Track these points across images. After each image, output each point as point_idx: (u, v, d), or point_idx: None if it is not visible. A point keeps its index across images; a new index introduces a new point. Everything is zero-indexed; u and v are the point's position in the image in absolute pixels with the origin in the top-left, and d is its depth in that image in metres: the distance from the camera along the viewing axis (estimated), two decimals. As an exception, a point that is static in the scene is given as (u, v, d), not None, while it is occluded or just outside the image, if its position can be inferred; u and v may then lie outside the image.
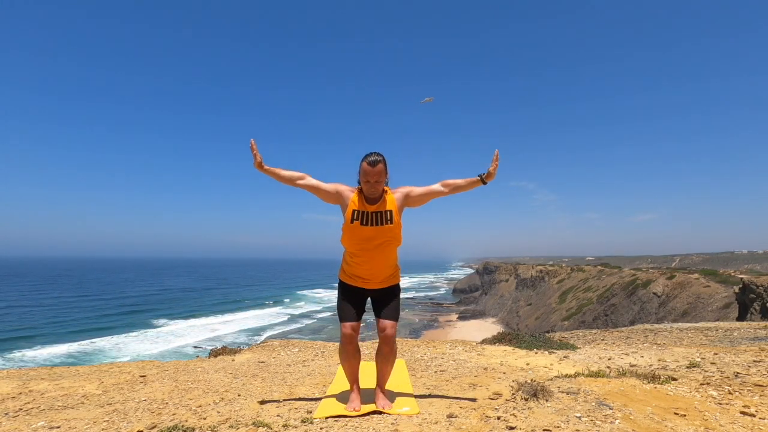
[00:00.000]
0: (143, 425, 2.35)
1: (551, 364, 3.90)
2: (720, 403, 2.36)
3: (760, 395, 2.51)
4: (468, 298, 65.40)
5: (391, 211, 2.51)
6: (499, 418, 2.15)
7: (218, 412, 2.54)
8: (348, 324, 2.55)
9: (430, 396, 2.79)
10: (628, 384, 2.56)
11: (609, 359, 4.17)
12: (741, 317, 18.35)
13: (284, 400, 2.81)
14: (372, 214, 2.49)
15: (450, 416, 2.29)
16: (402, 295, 2.79)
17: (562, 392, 2.42)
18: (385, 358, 2.59)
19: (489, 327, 39.06)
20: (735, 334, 6.52)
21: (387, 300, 2.62)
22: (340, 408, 2.50)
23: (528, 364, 3.93)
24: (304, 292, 74.79)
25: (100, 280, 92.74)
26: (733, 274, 28.73)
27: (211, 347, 6.78)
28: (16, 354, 27.06)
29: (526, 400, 2.33)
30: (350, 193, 2.54)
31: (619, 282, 34.80)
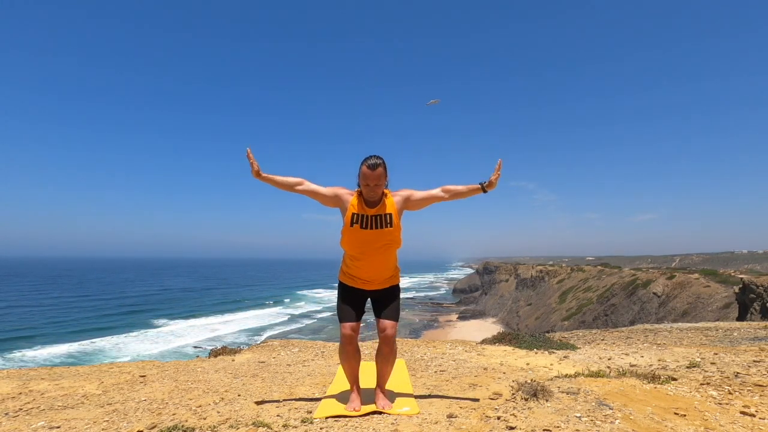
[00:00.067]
0: (143, 425, 2.35)
1: (551, 364, 3.90)
2: (720, 403, 2.36)
3: (760, 395, 2.51)
4: (468, 298, 65.40)
5: (390, 215, 2.51)
6: (499, 418, 2.15)
7: (218, 412, 2.54)
8: (348, 324, 2.55)
9: (430, 396, 2.79)
10: (628, 384, 2.57)
11: (609, 359, 4.17)
12: (741, 317, 18.35)
13: (284, 400, 2.81)
14: (372, 218, 2.49)
15: (450, 416, 2.29)
16: (402, 295, 2.79)
17: (562, 392, 2.42)
18: (385, 358, 2.59)
19: (489, 327, 39.06)
20: (735, 334, 6.52)
21: (387, 300, 2.62)
22: (340, 408, 2.50)
23: (528, 364, 3.93)
24: (304, 292, 74.80)
25: (100, 280, 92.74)
26: (733, 274, 28.74)
27: (211, 347, 6.78)
28: (16, 354, 27.07)
29: (526, 400, 2.33)
30: (349, 196, 2.54)
31: (619, 282, 34.80)
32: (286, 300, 61.87)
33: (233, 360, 4.50)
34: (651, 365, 3.75)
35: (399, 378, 3.18)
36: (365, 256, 2.53)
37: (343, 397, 2.70)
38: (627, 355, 4.41)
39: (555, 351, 4.61)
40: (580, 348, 5.06)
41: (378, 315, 2.61)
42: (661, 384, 2.66)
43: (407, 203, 2.60)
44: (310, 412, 2.47)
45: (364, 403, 2.55)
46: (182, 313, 46.34)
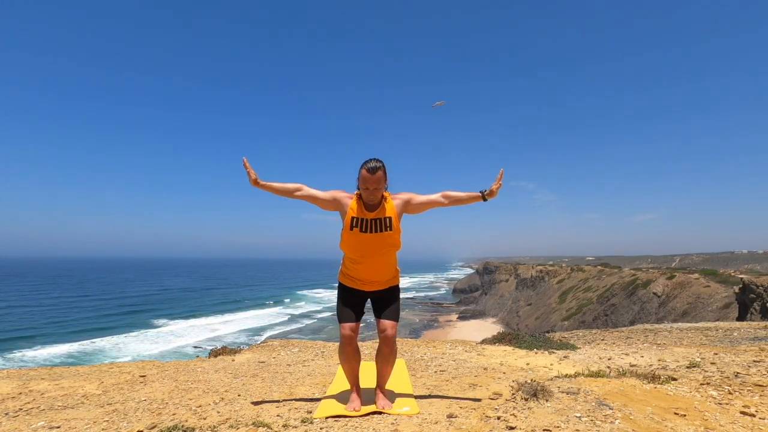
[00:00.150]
0: (143, 425, 2.35)
1: (551, 364, 3.90)
2: (720, 403, 2.36)
3: (760, 395, 2.51)
4: (468, 298, 65.40)
5: (390, 218, 2.50)
6: (499, 418, 2.15)
7: (218, 412, 2.54)
8: (347, 325, 2.55)
9: (430, 396, 2.79)
10: (628, 384, 2.56)
11: (609, 359, 4.17)
12: (741, 317, 18.35)
13: (284, 400, 2.81)
14: (371, 221, 2.48)
15: (450, 416, 2.29)
16: (402, 295, 2.79)
17: (562, 392, 2.42)
18: (385, 358, 2.59)
19: (489, 327, 39.06)
20: (735, 334, 6.52)
21: (387, 301, 2.62)
22: (340, 408, 2.50)
23: (528, 364, 3.93)
24: (304, 292, 74.80)
25: (100, 280, 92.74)
26: (733, 274, 28.74)
27: (211, 347, 6.78)
28: (16, 354, 27.07)
29: (526, 400, 2.33)
30: (348, 199, 2.53)
31: (619, 282, 34.80)
32: (286, 300, 61.87)
33: (233, 360, 4.50)
34: (651, 365, 3.75)
35: (399, 378, 3.18)
36: (365, 259, 2.53)
37: (343, 397, 2.70)
38: (627, 355, 4.41)
39: (555, 351, 4.61)
40: (580, 348, 5.06)
41: (378, 315, 2.61)
42: (661, 384, 2.66)
43: (407, 207, 2.60)
44: (310, 412, 2.47)
45: (364, 403, 2.55)
46: (182, 313, 46.35)
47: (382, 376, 2.63)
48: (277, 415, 2.44)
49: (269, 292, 72.20)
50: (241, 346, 5.67)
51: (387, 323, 2.56)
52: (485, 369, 3.64)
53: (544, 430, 1.94)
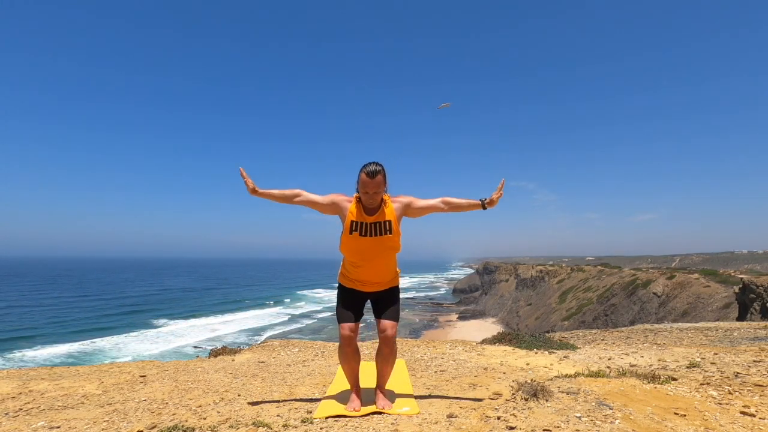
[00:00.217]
0: (143, 425, 2.35)
1: (551, 364, 3.90)
2: (720, 403, 2.36)
3: (760, 395, 2.51)
4: (468, 298, 65.40)
5: (390, 222, 2.50)
6: (499, 418, 2.15)
7: (218, 412, 2.54)
8: (346, 326, 2.55)
9: (430, 396, 2.79)
10: (628, 384, 2.56)
11: (609, 359, 4.17)
12: (741, 317, 18.35)
13: (284, 400, 2.81)
14: (371, 225, 2.48)
15: (450, 416, 2.29)
16: (402, 295, 2.79)
17: (562, 392, 2.42)
18: (385, 359, 2.59)
19: (489, 327, 39.06)
20: (735, 334, 6.52)
21: (387, 301, 2.62)
22: (340, 408, 2.50)
23: (528, 364, 3.93)
24: (304, 292, 74.80)
25: (100, 280, 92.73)
26: (733, 274, 28.74)
27: (211, 347, 6.78)
28: (16, 354, 27.07)
29: (526, 400, 2.33)
30: (347, 203, 2.53)
31: (619, 282, 34.80)
32: (287, 300, 61.87)
33: (233, 360, 4.50)
34: (651, 365, 3.75)
35: (399, 378, 3.18)
36: (365, 262, 2.53)
37: (343, 397, 2.70)
38: (627, 355, 4.41)
39: (555, 351, 4.61)
40: (580, 348, 5.06)
41: (378, 316, 2.61)
42: (661, 384, 2.66)
43: (407, 210, 2.60)
44: (310, 412, 2.47)
45: (364, 403, 2.55)
46: (182, 313, 46.34)
47: (382, 376, 2.63)
48: (277, 415, 2.44)
49: (269, 292, 72.20)
50: (241, 346, 5.67)
51: (387, 323, 2.56)
52: (485, 369, 3.64)
53: (544, 430, 1.94)
